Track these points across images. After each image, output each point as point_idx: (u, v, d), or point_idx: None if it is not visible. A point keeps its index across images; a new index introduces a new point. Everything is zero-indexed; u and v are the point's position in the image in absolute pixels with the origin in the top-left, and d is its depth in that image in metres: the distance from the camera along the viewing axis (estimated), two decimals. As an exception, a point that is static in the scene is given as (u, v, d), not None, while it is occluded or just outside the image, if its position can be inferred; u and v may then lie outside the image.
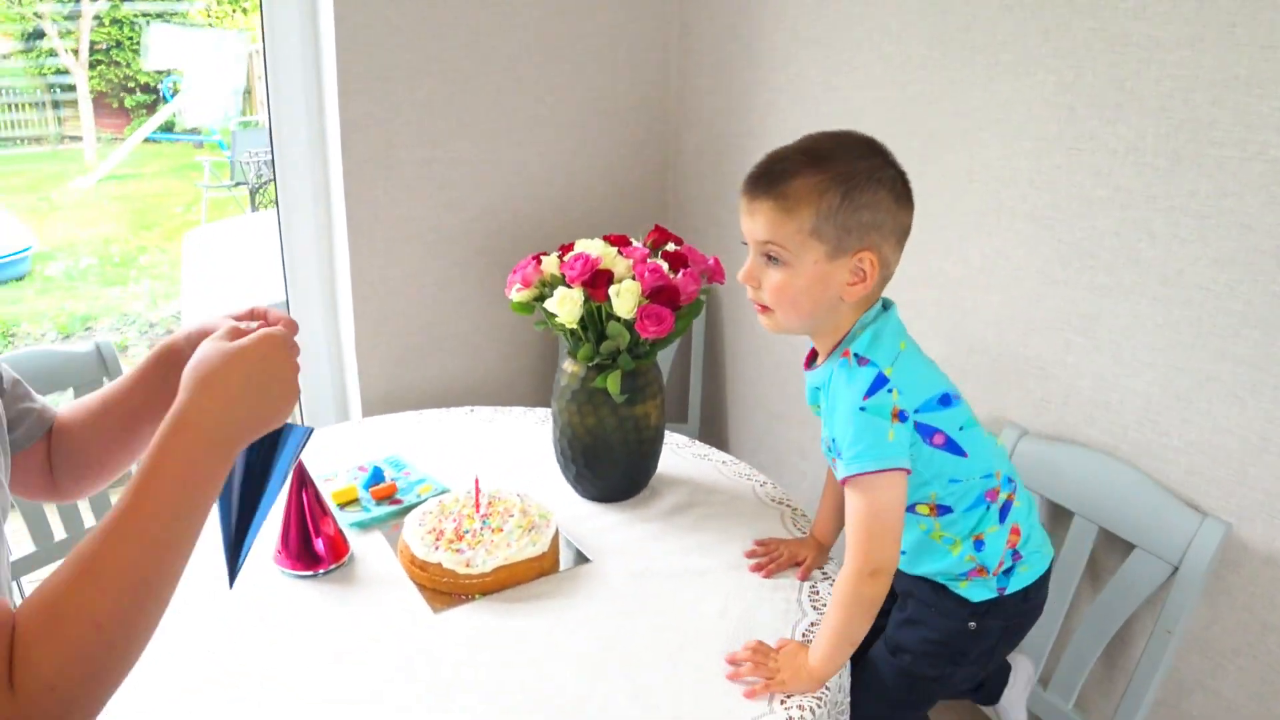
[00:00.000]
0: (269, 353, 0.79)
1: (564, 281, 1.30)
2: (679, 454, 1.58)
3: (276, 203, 1.84)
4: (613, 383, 1.30)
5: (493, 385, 2.01)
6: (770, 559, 1.26)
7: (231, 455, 0.77)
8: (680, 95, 2.08)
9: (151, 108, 4.26)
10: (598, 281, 1.28)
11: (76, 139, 3.42)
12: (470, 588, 1.21)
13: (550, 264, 1.36)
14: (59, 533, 1.62)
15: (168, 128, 4.72)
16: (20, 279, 2.88)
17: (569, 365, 1.38)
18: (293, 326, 0.89)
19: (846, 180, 0.99)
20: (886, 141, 1.04)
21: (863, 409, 1.02)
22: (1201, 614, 1.31)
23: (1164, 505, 1.28)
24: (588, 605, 1.20)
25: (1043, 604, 1.19)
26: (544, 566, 1.26)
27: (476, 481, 1.29)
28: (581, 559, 1.29)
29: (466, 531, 1.25)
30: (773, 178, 1.02)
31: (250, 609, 1.17)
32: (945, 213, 1.56)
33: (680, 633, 1.14)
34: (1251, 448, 1.24)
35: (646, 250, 1.35)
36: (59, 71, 3.26)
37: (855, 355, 1.05)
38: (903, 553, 1.16)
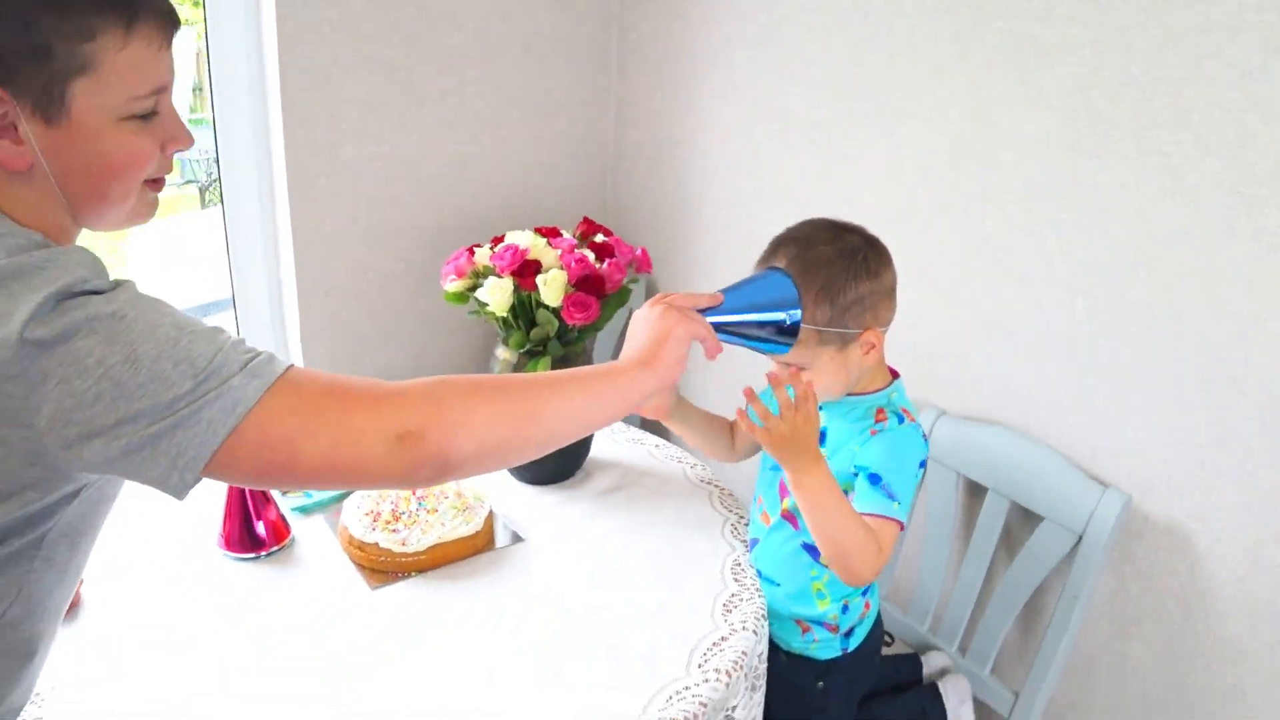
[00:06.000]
0: None
1: (495, 271, 1.35)
2: (614, 438, 1.63)
3: (221, 201, 1.87)
4: (542, 368, 1.35)
5: (439, 374, 2.05)
6: None
7: None
8: (620, 94, 2.13)
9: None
10: (526, 271, 1.32)
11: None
12: (407, 565, 1.25)
13: (483, 255, 1.40)
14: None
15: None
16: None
17: (502, 352, 1.42)
18: None
19: (828, 289, 1.09)
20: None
21: (916, 475, 1.15)
22: (1108, 584, 1.38)
23: (1069, 479, 1.35)
24: (520, 580, 1.25)
25: (875, 652, 1.33)
26: (478, 545, 1.30)
27: (412, 465, 1.33)
28: (516, 539, 1.34)
29: (403, 513, 1.30)
30: None
31: (194, 587, 1.21)
32: (870, 206, 1.62)
33: (610, 606, 1.19)
34: (1150, 425, 1.31)
35: (574, 241, 1.40)
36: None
37: (899, 413, 1.17)
38: (777, 585, 1.26)
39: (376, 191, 1.90)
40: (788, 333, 1.06)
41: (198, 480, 0.73)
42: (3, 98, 0.71)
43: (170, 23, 0.78)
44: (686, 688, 1.05)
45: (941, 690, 1.38)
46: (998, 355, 1.48)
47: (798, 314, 1.06)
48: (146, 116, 0.77)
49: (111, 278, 0.74)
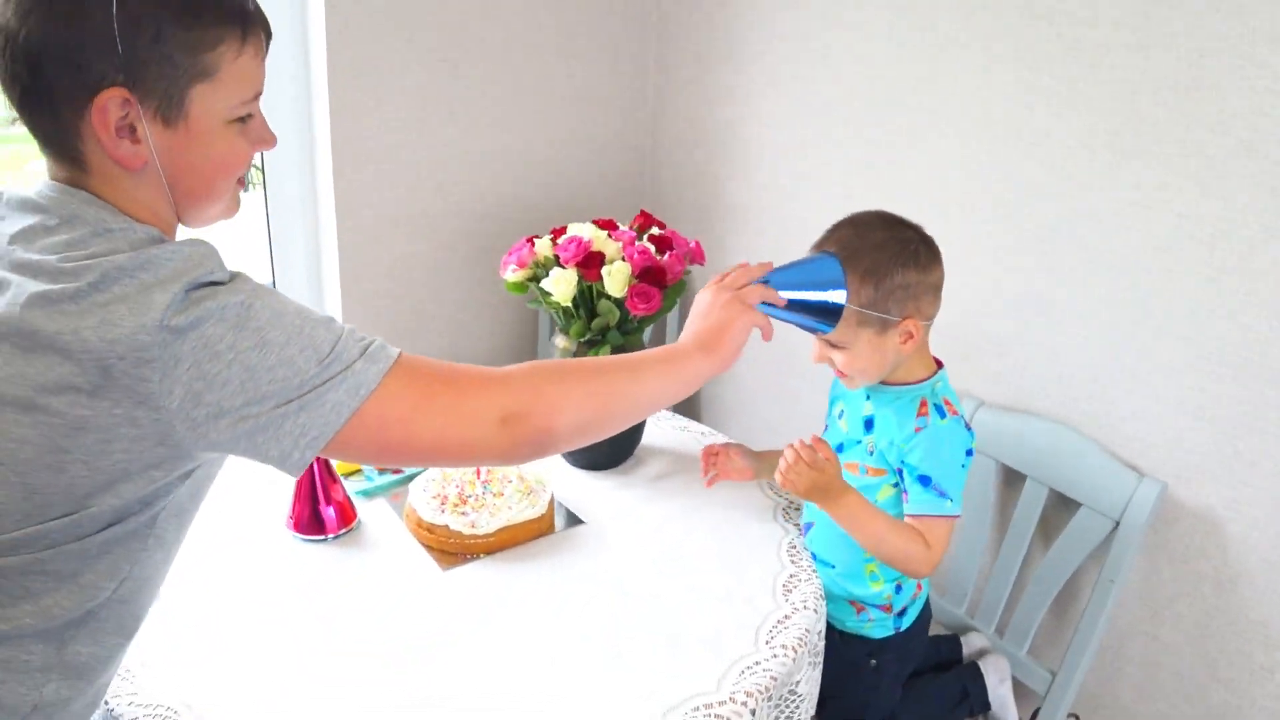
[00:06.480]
0: None
1: (558, 262, 1.38)
2: (660, 426, 1.67)
3: (264, 187, 1.89)
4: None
5: (479, 363, 2.09)
6: (718, 469, 1.40)
7: None
8: (659, 86, 2.17)
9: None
10: (590, 263, 1.36)
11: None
12: (475, 547, 1.29)
13: (543, 246, 1.44)
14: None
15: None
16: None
17: (561, 341, 1.46)
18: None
19: (874, 272, 1.15)
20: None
21: (964, 466, 1.21)
22: (1141, 567, 1.44)
23: (1107, 467, 1.41)
24: (585, 562, 1.29)
25: (925, 631, 1.39)
26: (542, 528, 1.34)
27: (477, 450, 1.37)
28: (576, 521, 1.38)
29: (470, 496, 1.34)
30: None
31: (267, 569, 1.25)
32: (913, 201, 1.66)
33: (672, 591, 1.23)
34: (1186, 414, 1.37)
35: (633, 234, 1.44)
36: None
37: (940, 405, 1.22)
38: (832, 566, 1.31)
39: (418, 181, 1.92)
40: (830, 313, 1.13)
41: (313, 458, 0.78)
42: (129, 100, 0.75)
43: (268, 34, 0.84)
44: (757, 662, 1.10)
45: (982, 669, 1.44)
46: (1037, 347, 1.53)
47: (842, 295, 1.12)
48: (245, 119, 0.83)
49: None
